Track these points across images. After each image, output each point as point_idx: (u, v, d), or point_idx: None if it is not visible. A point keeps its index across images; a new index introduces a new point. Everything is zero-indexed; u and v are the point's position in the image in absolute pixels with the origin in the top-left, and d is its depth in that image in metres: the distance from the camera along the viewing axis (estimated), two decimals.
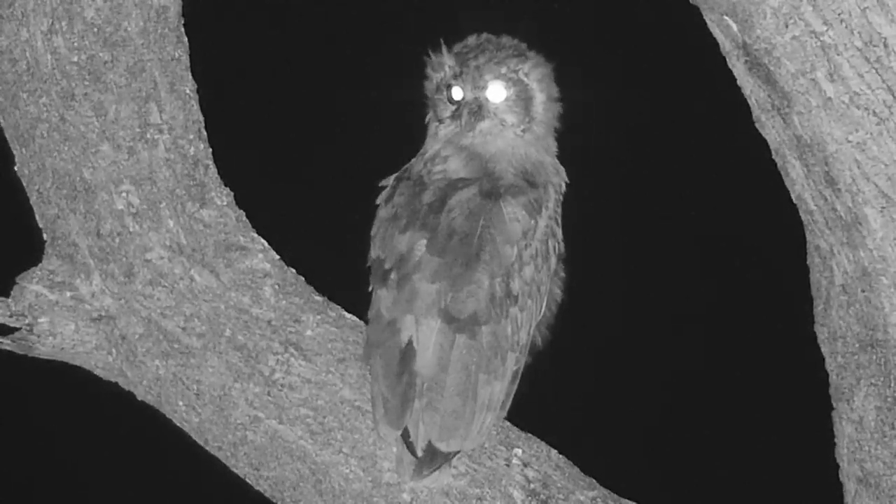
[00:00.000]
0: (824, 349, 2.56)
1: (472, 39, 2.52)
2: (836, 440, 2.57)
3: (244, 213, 2.62)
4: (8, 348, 2.55)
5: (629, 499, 2.56)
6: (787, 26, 2.33)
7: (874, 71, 2.32)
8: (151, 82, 2.51)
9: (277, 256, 2.60)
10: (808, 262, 2.57)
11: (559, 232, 2.52)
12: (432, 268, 2.39)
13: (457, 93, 2.49)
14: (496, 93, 2.49)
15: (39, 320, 2.53)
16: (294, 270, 2.61)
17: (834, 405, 2.56)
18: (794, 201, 2.52)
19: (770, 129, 2.47)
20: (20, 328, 2.53)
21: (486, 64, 2.47)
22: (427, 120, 2.58)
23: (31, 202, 2.57)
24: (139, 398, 2.58)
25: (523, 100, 2.50)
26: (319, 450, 2.46)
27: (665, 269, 4.94)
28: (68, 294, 2.53)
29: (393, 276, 2.42)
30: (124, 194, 2.50)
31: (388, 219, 2.48)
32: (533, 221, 2.43)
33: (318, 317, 2.54)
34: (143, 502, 4.73)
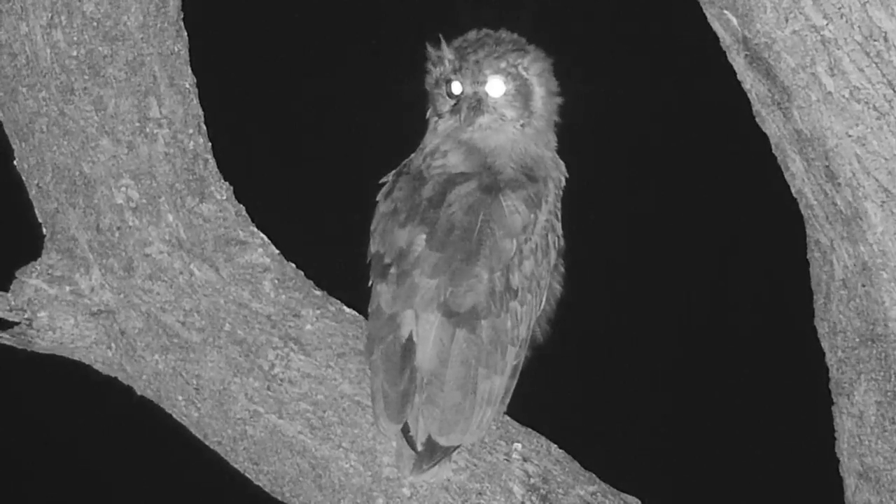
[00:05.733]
0: (824, 344, 2.56)
1: (471, 34, 2.51)
2: (836, 435, 2.57)
3: (244, 208, 2.62)
4: (7, 343, 2.55)
5: (629, 493, 2.56)
6: (787, 20, 2.33)
7: (874, 65, 2.31)
8: (151, 76, 2.51)
9: (277, 251, 2.60)
10: (808, 257, 2.57)
11: (559, 226, 2.52)
12: (432, 262, 2.39)
13: (456, 87, 2.49)
14: (495, 87, 2.48)
15: (39, 315, 2.53)
16: (294, 265, 2.61)
17: (834, 400, 2.56)
18: (795, 196, 2.52)
19: (770, 123, 2.46)
20: (19, 322, 2.53)
21: (485, 59, 2.47)
22: (427, 115, 2.57)
23: (30, 196, 2.57)
24: (139, 393, 2.58)
25: (523, 94, 2.50)
26: (319, 444, 2.46)
27: (664, 264, 4.94)
28: (68, 288, 2.53)
29: (392, 270, 2.42)
30: (124, 188, 2.50)
31: (388, 213, 2.48)
32: (533, 216, 2.43)
33: (318, 311, 2.54)
34: (143, 497, 4.73)
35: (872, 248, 2.41)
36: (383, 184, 2.55)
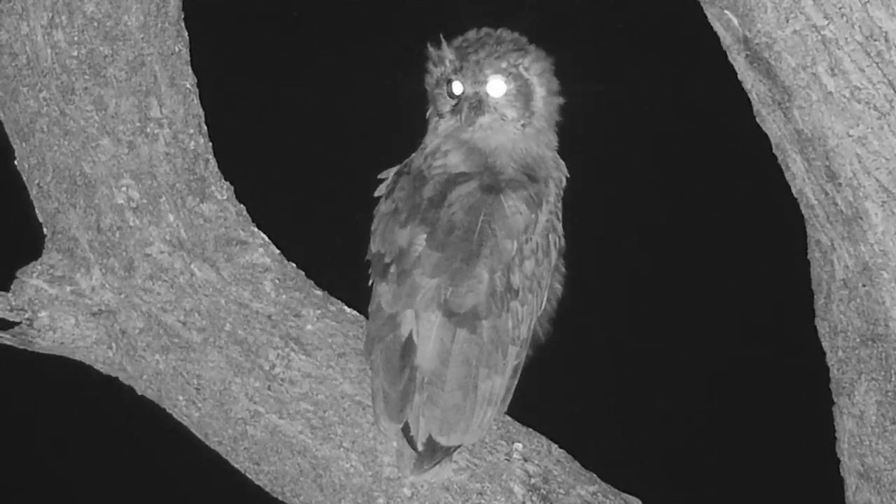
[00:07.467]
0: (825, 344, 2.56)
1: (472, 34, 2.51)
2: (836, 435, 2.57)
3: (244, 208, 2.62)
4: (8, 343, 2.55)
5: (630, 493, 2.56)
6: (787, 20, 2.33)
7: (875, 65, 2.31)
8: (151, 76, 2.51)
9: (278, 251, 2.60)
10: (808, 257, 2.57)
11: (559, 226, 2.51)
12: (432, 262, 2.39)
13: (457, 87, 2.49)
14: (496, 87, 2.48)
15: (39, 315, 2.53)
16: (294, 265, 2.61)
17: (835, 400, 2.56)
18: (795, 196, 2.52)
19: (771, 123, 2.46)
20: (20, 322, 2.53)
21: (486, 58, 2.47)
22: (427, 115, 2.57)
23: (31, 196, 2.57)
24: (139, 393, 2.58)
25: (523, 94, 2.50)
26: (320, 444, 2.46)
27: (665, 264, 4.94)
28: (68, 288, 2.53)
29: (393, 270, 2.42)
30: (124, 188, 2.50)
31: (389, 213, 2.48)
32: (533, 216, 2.43)
33: (319, 311, 2.54)
34: (144, 497, 4.73)
35: (873, 248, 2.41)
36: (381, 179, 2.55)
